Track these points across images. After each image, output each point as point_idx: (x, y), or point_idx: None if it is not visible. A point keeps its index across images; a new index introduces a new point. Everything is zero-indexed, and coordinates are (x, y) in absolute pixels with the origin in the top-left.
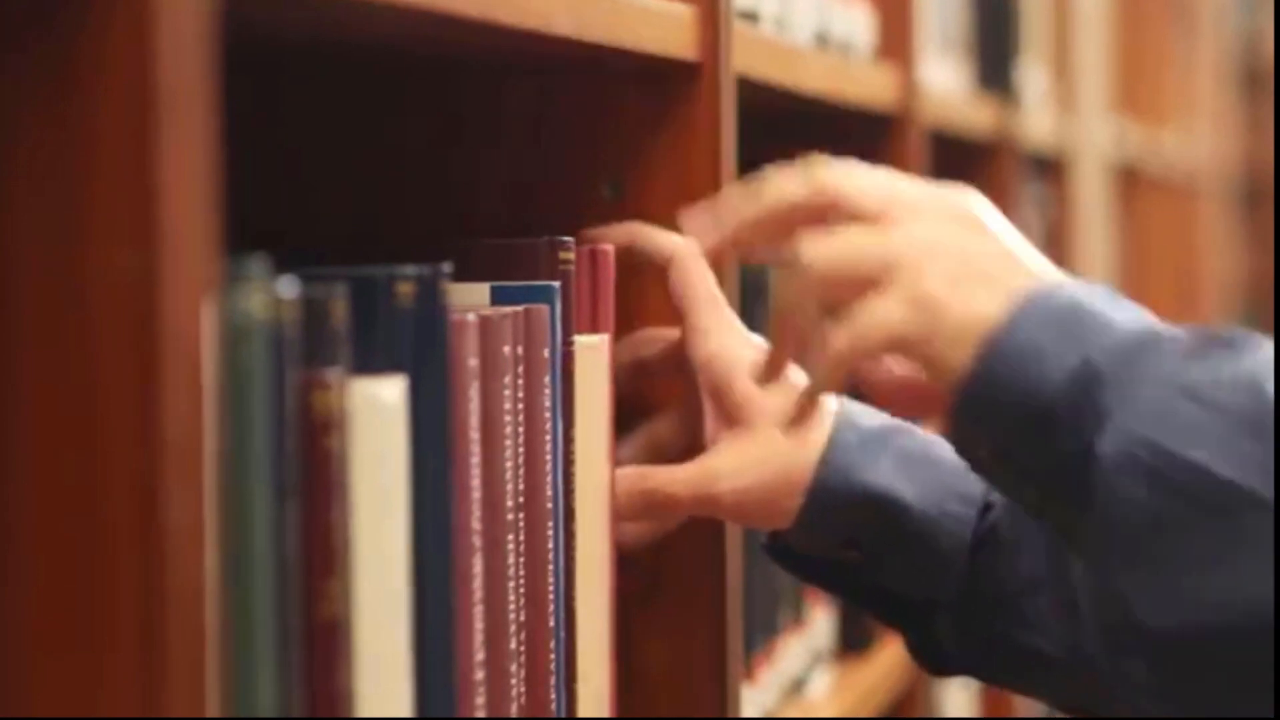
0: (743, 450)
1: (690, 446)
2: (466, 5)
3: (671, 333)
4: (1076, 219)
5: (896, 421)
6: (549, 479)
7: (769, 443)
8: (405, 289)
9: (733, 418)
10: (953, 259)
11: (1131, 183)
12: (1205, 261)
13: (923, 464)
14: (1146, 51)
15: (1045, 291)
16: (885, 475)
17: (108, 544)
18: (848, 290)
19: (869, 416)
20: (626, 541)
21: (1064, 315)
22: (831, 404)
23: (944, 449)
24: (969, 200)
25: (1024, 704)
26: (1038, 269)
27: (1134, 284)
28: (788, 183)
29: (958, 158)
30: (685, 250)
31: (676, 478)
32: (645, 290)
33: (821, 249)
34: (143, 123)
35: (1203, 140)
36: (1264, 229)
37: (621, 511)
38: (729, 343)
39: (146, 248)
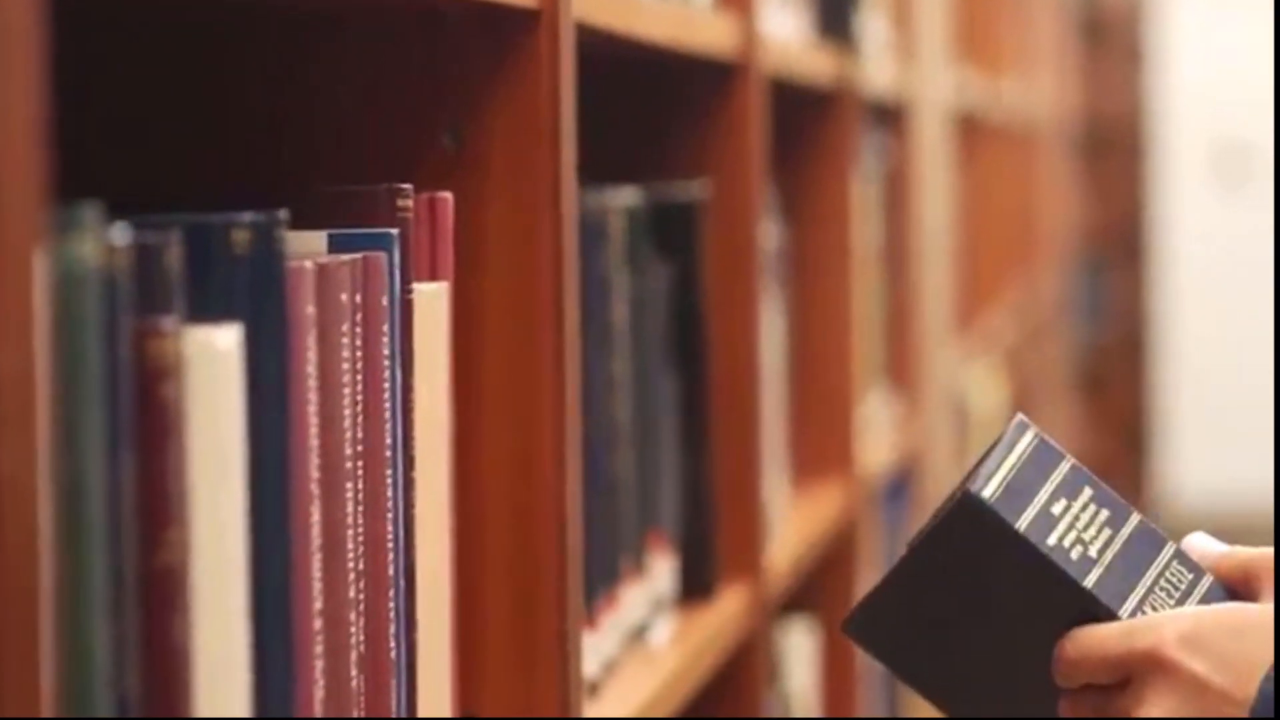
0: None
1: None
2: None
3: None
4: (917, 167)
5: None
6: (388, 427)
7: None
8: (241, 236)
9: None
10: None
11: (971, 131)
12: (1044, 209)
13: None
14: (987, 1)
15: None
16: None
17: None
18: None
19: None
20: None
21: None
22: None
23: None
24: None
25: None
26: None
27: (973, 231)
28: None
29: (798, 107)
30: None
31: None
32: (485, 238)
33: None
34: None
35: (1042, 90)
36: (1104, 178)
37: None
38: None
39: None
